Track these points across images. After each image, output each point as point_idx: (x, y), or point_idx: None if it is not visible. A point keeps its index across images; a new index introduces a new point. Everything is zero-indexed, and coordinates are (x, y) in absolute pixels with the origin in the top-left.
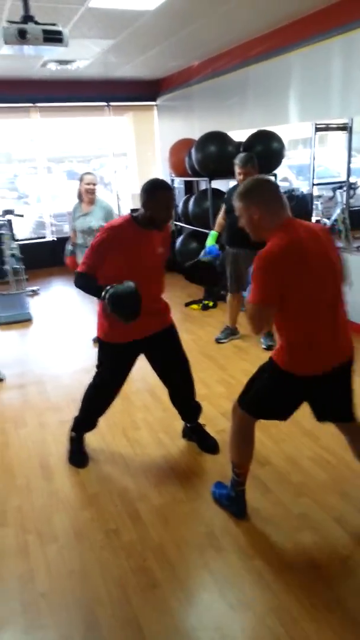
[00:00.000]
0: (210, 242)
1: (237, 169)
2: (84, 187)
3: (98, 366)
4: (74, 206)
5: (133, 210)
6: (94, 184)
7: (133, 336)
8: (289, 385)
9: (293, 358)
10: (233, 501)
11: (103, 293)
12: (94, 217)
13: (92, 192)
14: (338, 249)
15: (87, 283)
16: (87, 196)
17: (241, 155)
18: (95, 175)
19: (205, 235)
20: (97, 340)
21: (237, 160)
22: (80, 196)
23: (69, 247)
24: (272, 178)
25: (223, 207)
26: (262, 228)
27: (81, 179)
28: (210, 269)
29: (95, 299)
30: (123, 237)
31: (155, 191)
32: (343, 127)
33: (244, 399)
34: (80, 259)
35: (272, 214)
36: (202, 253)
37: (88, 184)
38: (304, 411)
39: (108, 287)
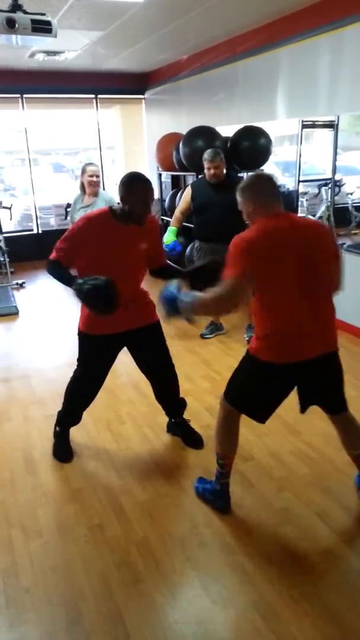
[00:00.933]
0: (171, 237)
1: (206, 164)
2: (87, 179)
3: (78, 359)
4: (75, 198)
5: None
6: (97, 175)
7: (112, 329)
8: (268, 375)
9: (270, 347)
10: (217, 495)
11: (74, 285)
12: (96, 208)
13: (95, 184)
14: (337, 247)
15: (58, 272)
16: (90, 188)
17: (208, 150)
18: (98, 167)
19: (189, 229)
20: (78, 333)
21: (206, 155)
22: (82, 188)
23: None
24: (268, 174)
25: (187, 202)
26: (254, 219)
27: (84, 171)
28: (215, 269)
29: None
30: (99, 230)
31: (132, 185)
32: (329, 125)
33: (227, 390)
34: None
35: (264, 207)
36: (165, 249)
37: (91, 175)
38: (286, 406)
39: (79, 280)
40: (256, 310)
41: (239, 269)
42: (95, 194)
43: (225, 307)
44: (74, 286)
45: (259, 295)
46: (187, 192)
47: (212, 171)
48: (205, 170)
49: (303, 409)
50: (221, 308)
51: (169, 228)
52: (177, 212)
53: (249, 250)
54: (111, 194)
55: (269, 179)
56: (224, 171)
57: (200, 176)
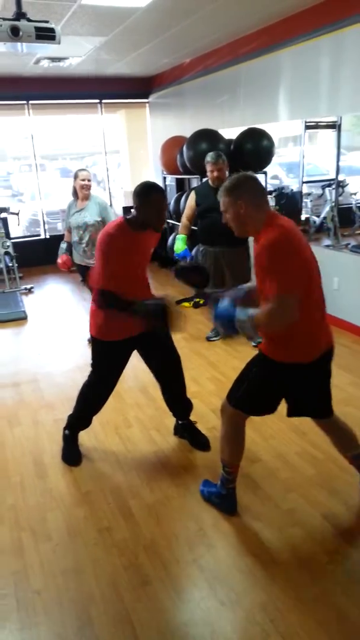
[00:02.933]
0: (181, 246)
1: (209, 167)
2: (79, 184)
3: (92, 365)
4: (69, 203)
5: (125, 211)
6: (89, 180)
7: (126, 333)
8: (279, 376)
9: (293, 348)
10: (224, 499)
11: (134, 309)
12: (88, 212)
13: (87, 188)
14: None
15: (114, 299)
16: (82, 192)
17: (210, 153)
18: (90, 171)
19: (193, 232)
20: (91, 339)
21: (209, 158)
22: (75, 193)
23: (62, 245)
24: (254, 174)
25: (192, 207)
26: (246, 223)
27: (76, 176)
28: (200, 272)
29: (89, 298)
30: (120, 243)
31: (148, 195)
32: (332, 125)
33: (234, 396)
34: (76, 257)
35: (256, 208)
36: (174, 257)
37: (83, 180)
38: None
39: (149, 301)
40: None
41: (290, 281)
42: (87, 198)
43: (283, 324)
44: (136, 310)
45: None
46: (192, 198)
47: (215, 174)
48: (208, 173)
49: (291, 414)
50: (280, 325)
51: (177, 236)
52: (184, 218)
53: (290, 255)
54: (103, 197)
55: (256, 179)
56: (227, 174)
57: (203, 180)
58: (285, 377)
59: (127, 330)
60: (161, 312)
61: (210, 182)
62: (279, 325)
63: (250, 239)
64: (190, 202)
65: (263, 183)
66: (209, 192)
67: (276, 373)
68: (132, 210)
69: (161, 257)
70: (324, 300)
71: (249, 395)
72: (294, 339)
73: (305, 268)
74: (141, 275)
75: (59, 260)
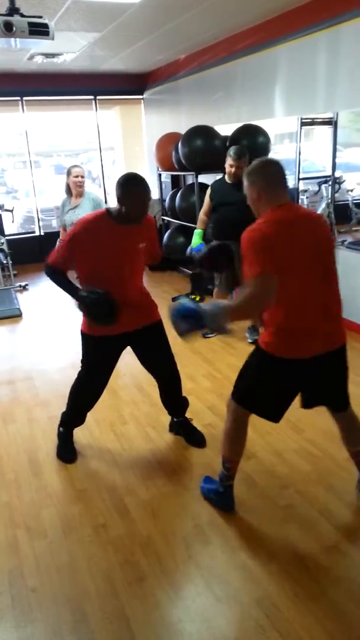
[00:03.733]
0: (197, 240)
1: (230, 161)
2: (72, 180)
3: (82, 360)
4: (63, 201)
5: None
6: (82, 177)
7: (116, 329)
8: (279, 370)
9: (283, 342)
10: (221, 496)
11: (75, 296)
12: (82, 209)
13: (80, 184)
14: (332, 238)
15: (58, 278)
16: (75, 189)
17: (236, 147)
18: (83, 167)
19: (192, 229)
20: (81, 334)
21: (232, 152)
22: (68, 190)
23: (59, 243)
24: (277, 160)
25: (207, 203)
26: (259, 207)
27: (69, 172)
28: (228, 251)
29: None
30: (97, 232)
31: (129, 186)
32: (328, 122)
33: (235, 390)
34: None
35: (270, 195)
36: (189, 252)
37: (76, 176)
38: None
39: (82, 293)
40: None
41: (262, 264)
42: (80, 195)
43: (259, 306)
44: (75, 297)
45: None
46: (208, 193)
47: (233, 169)
48: (227, 167)
49: (307, 405)
50: (255, 308)
51: (195, 231)
52: (201, 214)
53: (264, 242)
54: (96, 193)
55: (277, 165)
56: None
57: (219, 177)
58: (285, 373)
59: (116, 326)
60: (99, 304)
61: (227, 177)
62: (255, 307)
63: None
64: (206, 197)
65: None
66: (223, 187)
67: (267, 364)
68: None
69: (167, 261)
70: (331, 303)
71: (250, 390)
72: (283, 333)
73: (291, 262)
74: (128, 275)
75: None
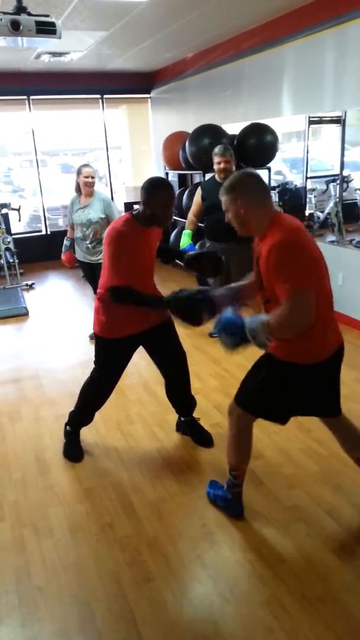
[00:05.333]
0: (186, 241)
1: (216, 159)
2: (82, 180)
3: (95, 362)
4: (72, 200)
5: (127, 207)
6: (93, 177)
7: (130, 331)
8: (289, 377)
9: (306, 348)
10: (229, 503)
11: (163, 302)
12: (92, 209)
13: (90, 185)
14: None
15: (134, 295)
16: (85, 189)
17: (218, 146)
18: (93, 167)
19: (199, 229)
20: (94, 336)
21: (217, 150)
22: (78, 189)
23: (65, 242)
24: (255, 171)
25: (198, 203)
26: (248, 222)
27: (79, 172)
28: (212, 259)
29: (91, 294)
30: (130, 237)
31: (156, 190)
32: (336, 120)
33: (242, 398)
34: (79, 253)
35: (258, 207)
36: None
37: (87, 176)
38: None
39: (179, 291)
40: None
41: (306, 278)
42: (90, 195)
43: (302, 326)
44: (163, 302)
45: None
46: (198, 193)
47: (222, 165)
48: (215, 166)
49: (298, 414)
50: (298, 327)
51: (183, 232)
52: (190, 215)
53: (302, 253)
54: (106, 192)
55: (257, 176)
56: (234, 168)
57: (210, 176)
58: (295, 378)
59: (131, 328)
60: (193, 305)
61: (216, 175)
62: (296, 327)
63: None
64: (196, 198)
65: (266, 179)
66: (215, 188)
67: (285, 374)
68: (136, 205)
69: (166, 250)
70: (332, 298)
71: (258, 397)
72: (306, 339)
73: (316, 267)
74: (150, 272)
75: (63, 257)
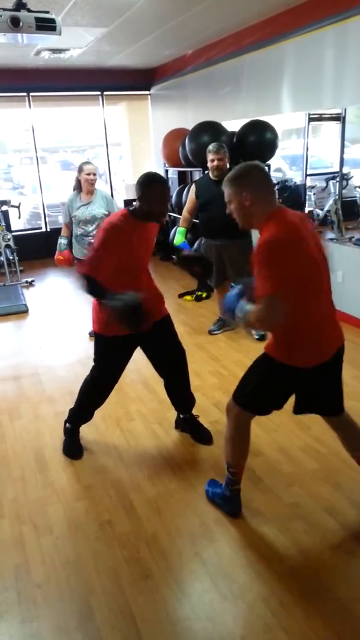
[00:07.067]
0: (180, 239)
1: (211, 156)
2: (84, 177)
3: (95, 360)
4: (70, 198)
5: (127, 204)
6: (94, 174)
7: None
8: (287, 377)
9: (296, 351)
10: (227, 500)
11: (106, 301)
12: (96, 205)
13: (92, 182)
14: (319, 235)
15: (93, 287)
16: (87, 186)
17: (213, 143)
18: (95, 165)
19: (195, 225)
20: (93, 334)
21: (211, 147)
22: (78, 186)
23: (62, 241)
24: (261, 164)
25: (192, 201)
26: (252, 215)
27: (80, 169)
28: (202, 263)
29: None
30: (125, 233)
31: (151, 185)
32: (336, 117)
33: (240, 396)
34: (77, 251)
35: (263, 201)
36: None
37: (88, 173)
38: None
39: (117, 297)
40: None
41: (275, 284)
42: (92, 192)
43: (269, 326)
44: (106, 301)
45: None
46: (192, 191)
47: (215, 163)
48: (209, 163)
49: (298, 411)
50: (267, 327)
51: (177, 229)
52: (185, 212)
53: (281, 258)
54: (106, 190)
55: (262, 169)
56: (227, 165)
57: (205, 173)
58: (291, 378)
59: None
60: (132, 309)
61: (210, 173)
62: (266, 327)
63: (254, 232)
64: (190, 195)
65: None
66: (209, 185)
67: (282, 374)
68: (135, 202)
69: (164, 247)
70: (331, 299)
71: (256, 396)
72: (298, 342)
73: (307, 269)
74: (144, 267)
75: (60, 257)
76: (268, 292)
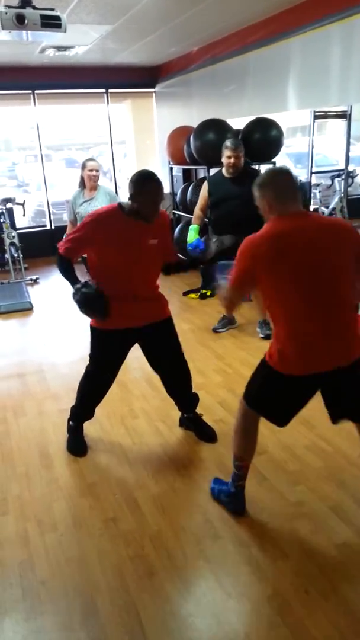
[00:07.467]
0: (194, 236)
1: (227, 152)
2: (87, 174)
3: (90, 355)
4: (74, 195)
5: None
6: (97, 170)
7: (124, 324)
8: (282, 384)
9: (281, 357)
10: (232, 497)
11: (73, 291)
12: (99, 201)
13: (95, 178)
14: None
15: (65, 267)
16: (90, 182)
17: (231, 139)
18: (98, 161)
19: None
20: (90, 328)
21: (228, 144)
22: (82, 183)
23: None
24: (289, 169)
25: (204, 198)
26: (268, 218)
27: (84, 166)
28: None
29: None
30: (108, 226)
31: (142, 184)
32: (342, 115)
33: (247, 394)
34: None
35: (280, 206)
36: (188, 248)
37: (91, 170)
38: None
39: (77, 286)
40: (271, 314)
41: (236, 276)
42: (94, 188)
43: (229, 307)
44: (73, 291)
45: (268, 302)
46: (204, 188)
47: (232, 160)
48: (224, 159)
49: (334, 420)
50: (226, 308)
51: (190, 226)
52: (197, 209)
53: (249, 256)
54: (110, 187)
55: (287, 175)
56: (242, 162)
57: (216, 170)
58: (282, 384)
59: (124, 321)
60: (91, 299)
61: (224, 170)
62: (223, 306)
63: None
64: (203, 192)
65: None
66: (222, 182)
67: (274, 378)
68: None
69: (169, 266)
70: (339, 317)
71: (257, 395)
72: (282, 348)
73: (279, 276)
74: (138, 271)
75: None
76: (230, 280)
